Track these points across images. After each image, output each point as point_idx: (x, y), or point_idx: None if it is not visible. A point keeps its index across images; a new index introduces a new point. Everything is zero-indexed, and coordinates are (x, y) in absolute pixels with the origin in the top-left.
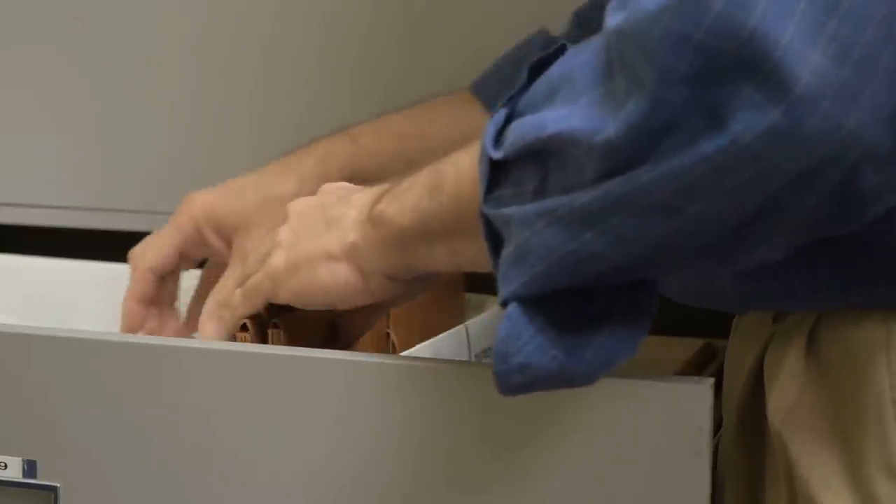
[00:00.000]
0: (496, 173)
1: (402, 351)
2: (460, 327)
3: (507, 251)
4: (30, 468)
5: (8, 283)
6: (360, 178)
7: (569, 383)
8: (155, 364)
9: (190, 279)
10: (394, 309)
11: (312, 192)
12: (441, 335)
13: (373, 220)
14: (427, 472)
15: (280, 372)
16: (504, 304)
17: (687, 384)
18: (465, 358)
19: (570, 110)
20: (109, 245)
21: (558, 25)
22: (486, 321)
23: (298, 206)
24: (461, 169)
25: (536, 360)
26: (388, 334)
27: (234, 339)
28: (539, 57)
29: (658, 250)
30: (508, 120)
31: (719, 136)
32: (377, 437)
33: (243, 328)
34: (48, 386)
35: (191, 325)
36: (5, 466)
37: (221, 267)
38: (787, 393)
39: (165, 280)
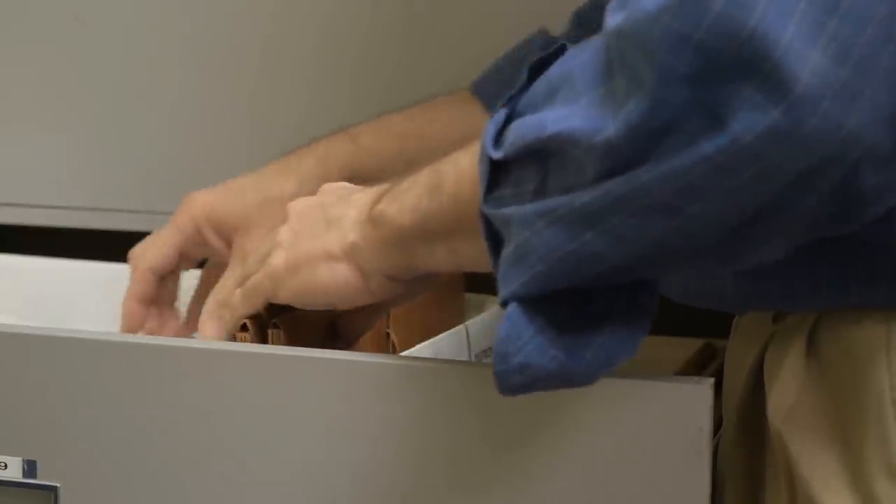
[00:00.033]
0: (496, 173)
1: (402, 351)
2: (460, 327)
3: (507, 251)
4: (30, 468)
5: (8, 283)
6: (360, 178)
7: (569, 383)
8: (155, 364)
9: (190, 279)
10: (393, 309)
11: (312, 192)
12: (441, 335)
13: (373, 220)
14: (427, 472)
15: (280, 372)
16: (504, 304)
17: (687, 384)
18: (465, 358)
19: (570, 110)
20: (109, 245)
21: (558, 25)
22: (486, 321)
23: (298, 206)
24: (461, 169)
25: (536, 360)
26: (388, 334)
27: (234, 339)
28: (539, 57)
29: (658, 250)
30: (508, 120)
31: (719, 136)
32: (377, 438)
33: (243, 328)
34: (48, 386)
35: (191, 325)
36: (5, 466)
37: (221, 267)
38: (787, 393)
39: (165, 280)
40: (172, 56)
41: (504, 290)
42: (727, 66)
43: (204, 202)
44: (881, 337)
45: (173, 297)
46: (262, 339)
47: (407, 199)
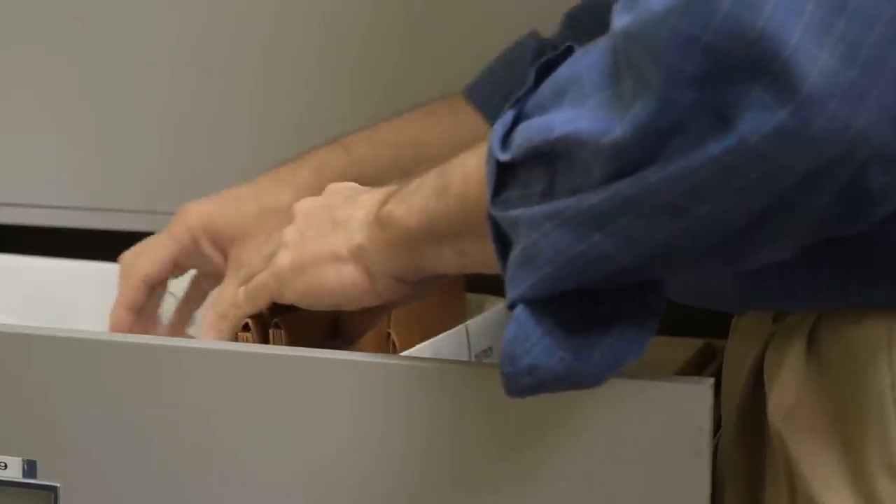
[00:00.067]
0: (503, 175)
1: (402, 351)
2: (460, 327)
3: (514, 253)
4: (30, 468)
5: (8, 283)
6: None
7: (577, 385)
8: (155, 364)
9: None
10: (395, 309)
11: None
12: (441, 335)
13: (380, 221)
14: (430, 473)
15: (282, 372)
16: (512, 306)
17: (687, 384)
18: (465, 358)
19: (577, 112)
20: (109, 245)
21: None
22: (487, 321)
23: (305, 206)
24: (468, 170)
25: (544, 361)
26: (388, 334)
27: (235, 338)
28: (546, 58)
29: (666, 251)
30: (516, 122)
31: (727, 136)
32: (381, 439)
33: (245, 328)
34: (48, 386)
35: (177, 330)
36: (5, 466)
37: (210, 276)
38: (787, 392)
39: (155, 288)
40: (172, 56)
41: (512, 291)
42: (735, 66)
43: (200, 213)
44: (882, 336)
45: (159, 303)
46: (264, 339)
47: (414, 201)
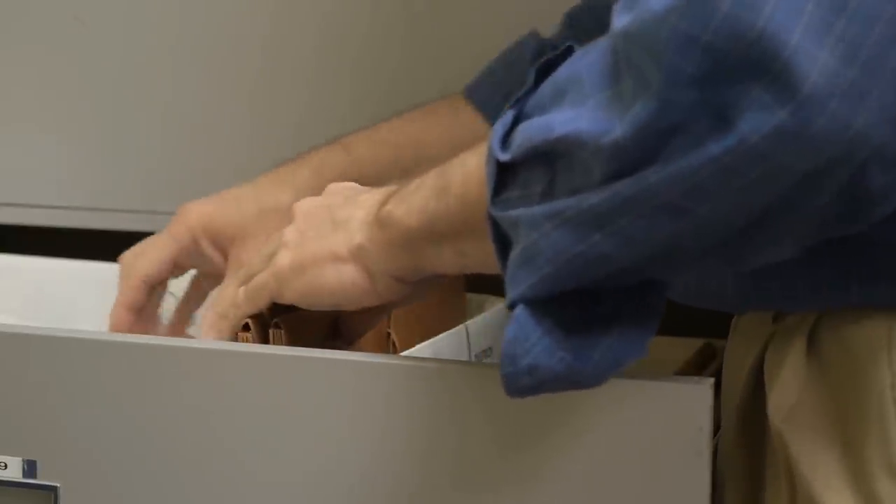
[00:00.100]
0: (504, 175)
1: (402, 351)
2: (460, 327)
3: (514, 253)
4: (30, 468)
5: (8, 283)
6: None
7: (577, 385)
8: (155, 364)
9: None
10: (395, 309)
11: None
12: (441, 335)
13: (380, 221)
14: (431, 473)
15: (282, 372)
16: (512, 306)
17: (687, 384)
18: (465, 358)
19: (577, 112)
20: (109, 245)
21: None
22: (487, 321)
23: (305, 206)
24: (468, 170)
25: (544, 361)
26: (388, 334)
27: (235, 338)
28: (546, 58)
29: (666, 251)
30: (516, 122)
31: (727, 136)
32: (380, 438)
33: (245, 328)
34: (48, 386)
35: (177, 330)
36: (5, 466)
37: (210, 276)
38: (788, 392)
39: (155, 288)
40: (172, 56)
41: (512, 292)
42: (735, 66)
43: (200, 213)
44: (882, 336)
45: (158, 303)
46: (264, 339)
47: (414, 201)
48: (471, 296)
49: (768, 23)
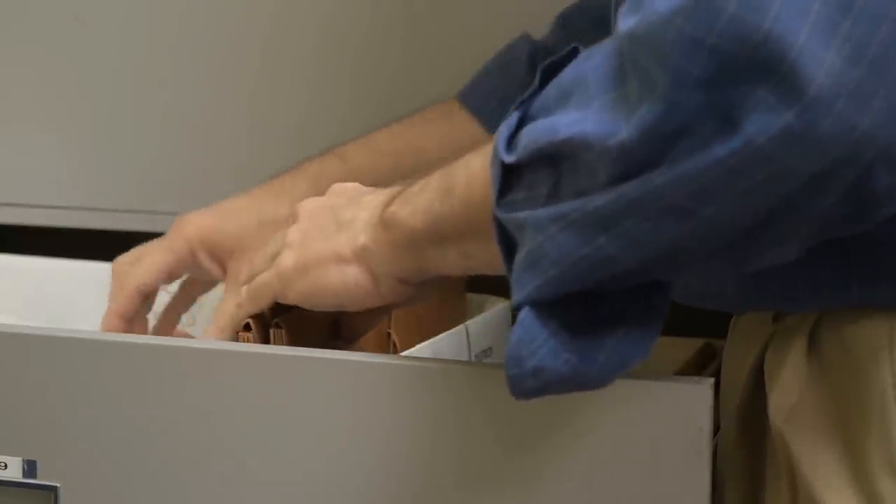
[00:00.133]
0: (508, 177)
1: (402, 351)
2: (460, 327)
3: (520, 255)
4: (30, 468)
5: (8, 283)
6: None
7: (582, 387)
8: (155, 364)
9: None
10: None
11: None
12: (441, 335)
13: (384, 222)
14: (434, 474)
15: (283, 372)
16: (517, 308)
17: (687, 384)
18: (465, 358)
19: (582, 114)
20: (109, 245)
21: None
22: (487, 321)
23: (308, 206)
24: (472, 172)
25: (550, 363)
26: (388, 334)
27: (236, 338)
28: (551, 60)
29: (671, 253)
30: (521, 123)
31: (732, 138)
32: (382, 439)
33: (246, 327)
34: (48, 386)
35: (164, 333)
36: (5, 466)
37: (198, 283)
38: (788, 392)
39: (147, 297)
40: (172, 56)
41: (517, 294)
42: (741, 68)
43: (199, 225)
44: (883, 335)
45: (149, 308)
46: (265, 339)
47: (419, 202)
48: (471, 296)
49: (774, 24)
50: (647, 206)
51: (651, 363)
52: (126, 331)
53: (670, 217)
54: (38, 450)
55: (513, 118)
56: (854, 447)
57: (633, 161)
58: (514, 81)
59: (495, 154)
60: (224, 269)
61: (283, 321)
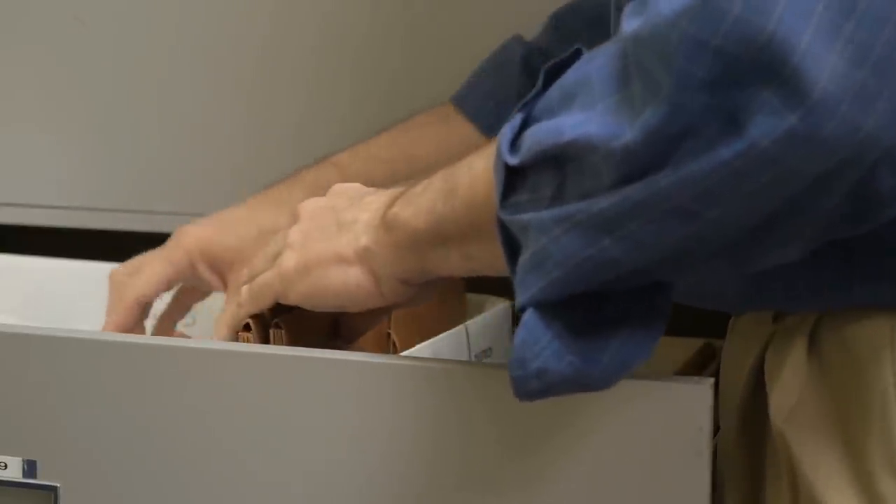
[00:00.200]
0: (512, 179)
1: (402, 351)
2: (460, 327)
3: (524, 257)
4: (30, 468)
5: (8, 283)
6: None
7: (585, 388)
8: (155, 364)
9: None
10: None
11: None
12: (441, 335)
13: (386, 223)
14: (435, 474)
15: (283, 372)
16: (521, 309)
17: (687, 384)
18: (465, 358)
19: (587, 116)
20: (109, 245)
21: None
22: (486, 321)
23: (310, 206)
24: (475, 173)
25: (553, 365)
26: (388, 334)
27: (236, 338)
28: (555, 61)
29: (676, 255)
30: (524, 125)
31: (737, 141)
32: (384, 439)
33: (246, 327)
34: (48, 386)
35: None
36: (5, 466)
37: (193, 291)
38: (789, 392)
39: (146, 308)
40: (172, 56)
41: (521, 296)
42: (746, 70)
43: (199, 237)
44: (884, 335)
45: (146, 317)
46: (265, 339)
47: (421, 203)
48: (471, 296)
49: (778, 26)
50: (652, 208)
51: (651, 363)
52: None
53: (675, 219)
54: (38, 450)
55: (516, 120)
56: (855, 447)
57: (638, 163)
58: (508, 84)
59: (499, 156)
60: (223, 281)
61: (283, 321)
